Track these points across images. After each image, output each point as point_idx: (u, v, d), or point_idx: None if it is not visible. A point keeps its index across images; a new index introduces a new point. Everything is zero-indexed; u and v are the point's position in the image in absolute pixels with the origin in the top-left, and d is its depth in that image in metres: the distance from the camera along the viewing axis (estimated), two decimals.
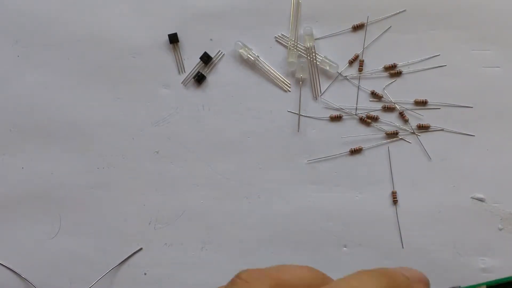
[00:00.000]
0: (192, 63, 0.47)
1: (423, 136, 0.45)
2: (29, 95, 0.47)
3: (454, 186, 0.45)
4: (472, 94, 0.45)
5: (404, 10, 0.46)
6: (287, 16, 0.46)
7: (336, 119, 0.46)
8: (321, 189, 0.45)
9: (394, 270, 0.32)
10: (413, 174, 0.45)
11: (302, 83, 0.46)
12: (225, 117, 0.46)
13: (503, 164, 0.45)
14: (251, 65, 0.46)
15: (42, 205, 0.46)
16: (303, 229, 0.45)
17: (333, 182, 0.45)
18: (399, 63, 0.46)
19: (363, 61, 0.46)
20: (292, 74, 0.46)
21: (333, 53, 0.46)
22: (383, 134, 0.46)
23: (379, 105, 0.46)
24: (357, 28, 0.46)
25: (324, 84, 0.46)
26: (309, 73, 0.46)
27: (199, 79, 0.46)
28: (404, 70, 0.46)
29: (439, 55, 0.46)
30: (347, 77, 0.46)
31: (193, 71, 0.47)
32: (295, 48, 0.46)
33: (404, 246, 0.44)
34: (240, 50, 0.46)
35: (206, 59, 0.46)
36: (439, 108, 0.45)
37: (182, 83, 0.47)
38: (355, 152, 0.45)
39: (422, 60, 0.46)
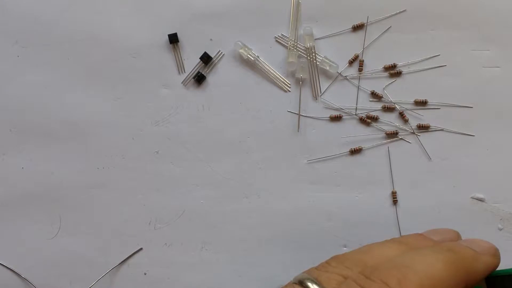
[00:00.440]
0: (192, 63, 0.47)
1: (423, 136, 0.45)
2: (29, 95, 0.47)
3: (454, 186, 0.45)
4: (472, 94, 0.45)
5: (404, 10, 0.46)
6: (287, 16, 0.46)
7: (336, 119, 0.46)
8: (321, 189, 0.45)
9: (459, 243, 0.32)
10: (413, 174, 0.45)
11: (302, 83, 0.46)
12: (225, 117, 0.46)
13: (503, 164, 0.45)
14: (251, 65, 0.46)
15: (42, 205, 0.46)
16: (303, 229, 0.45)
17: (333, 182, 0.45)
18: (399, 63, 0.46)
19: (363, 61, 0.46)
20: (292, 74, 0.46)
21: (333, 53, 0.46)
22: (383, 134, 0.46)
23: (379, 105, 0.46)
24: (357, 28, 0.46)
25: (324, 84, 0.46)
26: (309, 73, 0.46)
27: (199, 79, 0.46)
28: (404, 70, 0.46)
29: (439, 55, 0.46)
30: (347, 77, 0.46)
31: (193, 71, 0.47)
32: (295, 48, 0.46)
33: None
34: (240, 50, 0.46)
35: (206, 59, 0.46)
36: (439, 108, 0.45)
37: (182, 83, 0.47)
38: (355, 152, 0.45)
39: (422, 60, 0.46)
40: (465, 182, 0.45)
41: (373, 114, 0.46)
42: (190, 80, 0.47)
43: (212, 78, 0.47)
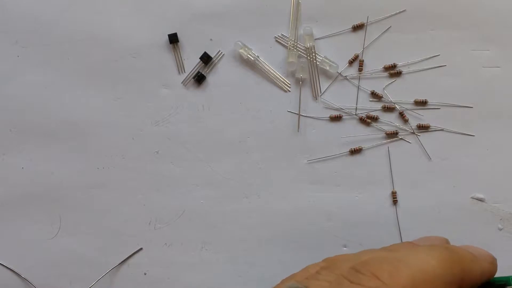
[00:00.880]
0: (192, 63, 0.47)
1: (423, 136, 0.45)
2: (29, 95, 0.47)
3: (454, 186, 0.45)
4: (472, 94, 0.45)
5: (404, 10, 0.46)
6: (287, 16, 0.46)
7: (336, 119, 0.46)
8: (321, 189, 0.45)
9: (458, 246, 0.32)
10: (413, 174, 0.45)
11: (302, 83, 0.46)
12: (225, 117, 0.46)
13: (503, 164, 0.45)
14: (251, 65, 0.46)
15: (42, 205, 0.46)
16: (303, 229, 0.45)
17: (333, 182, 0.45)
18: (399, 63, 0.46)
19: (363, 61, 0.46)
20: (292, 74, 0.46)
21: (333, 53, 0.46)
22: (383, 134, 0.46)
23: (379, 105, 0.46)
24: (357, 28, 0.46)
25: (324, 84, 0.46)
26: (309, 73, 0.46)
27: (199, 79, 0.46)
28: (404, 70, 0.46)
29: (439, 55, 0.46)
30: (347, 77, 0.46)
31: (193, 71, 0.47)
32: (295, 48, 0.46)
33: None
34: (240, 50, 0.46)
35: (206, 59, 0.46)
36: (439, 108, 0.45)
37: (182, 83, 0.47)
38: (355, 152, 0.45)
39: (422, 60, 0.46)
40: (465, 182, 0.45)
41: (373, 114, 0.46)
42: (190, 80, 0.47)
43: (212, 78, 0.47)
